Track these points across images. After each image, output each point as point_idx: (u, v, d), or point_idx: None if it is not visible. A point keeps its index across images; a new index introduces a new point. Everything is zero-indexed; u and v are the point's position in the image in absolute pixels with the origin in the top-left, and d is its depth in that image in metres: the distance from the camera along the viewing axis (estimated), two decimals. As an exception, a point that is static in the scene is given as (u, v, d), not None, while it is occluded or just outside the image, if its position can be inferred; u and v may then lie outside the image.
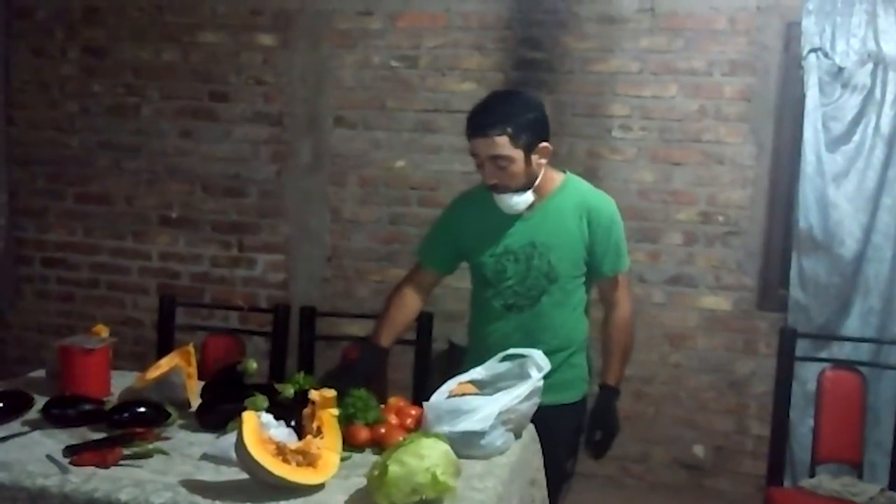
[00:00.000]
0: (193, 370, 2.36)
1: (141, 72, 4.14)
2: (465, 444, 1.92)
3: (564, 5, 3.65)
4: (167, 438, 2.04)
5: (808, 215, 3.39)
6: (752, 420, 3.64)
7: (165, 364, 2.32)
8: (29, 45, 4.27)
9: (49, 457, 1.89)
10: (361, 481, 1.80)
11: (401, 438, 1.87)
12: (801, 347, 3.00)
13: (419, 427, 2.05)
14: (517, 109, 2.26)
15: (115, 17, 4.14)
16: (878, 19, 3.25)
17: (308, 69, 3.95)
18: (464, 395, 2.10)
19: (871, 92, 3.31)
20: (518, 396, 2.04)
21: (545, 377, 2.17)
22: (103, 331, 2.49)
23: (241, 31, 4.01)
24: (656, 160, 3.64)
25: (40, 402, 2.17)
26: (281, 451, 1.79)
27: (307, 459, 1.80)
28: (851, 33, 3.28)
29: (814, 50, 3.31)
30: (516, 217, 2.37)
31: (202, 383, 2.33)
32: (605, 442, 2.43)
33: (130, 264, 4.27)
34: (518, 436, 2.12)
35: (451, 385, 2.15)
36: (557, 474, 2.45)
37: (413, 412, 2.12)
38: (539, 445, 2.25)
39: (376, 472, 1.72)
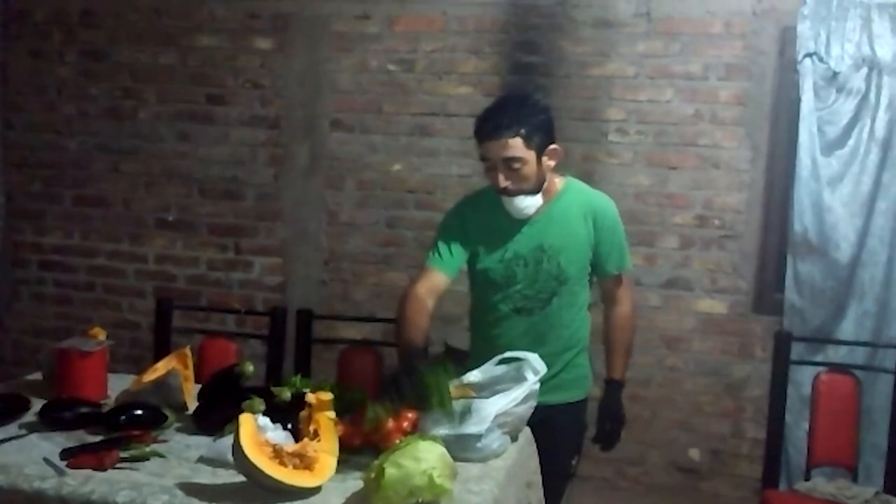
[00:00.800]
0: (190, 373, 2.36)
1: (138, 75, 4.15)
2: (462, 447, 1.93)
3: (561, 9, 3.66)
4: (164, 441, 2.04)
5: (803, 219, 3.40)
6: (748, 423, 3.65)
7: (162, 367, 2.33)
8: (26, 48, 4.27)
9: (46, 459, 1.90)
10: (358, 484, 1.80)
11: (397, 441, 1.88)
12: (797, 351, 3.02)
13: (416, 430, 2.05)
14: (528, 111, 2.29)
15: (112, 20, 4.15)
16: (872, 24, 3.27)
17: (305, 73, 3.96)
18: (461, 397, 2.10)
19: (865, 96, 3.32)
20: (514, 399, 2.05)
21: (550, 377, 2.20)
22: (100, 333, 2.49)
23: (238, 35, 4.01)
24: (652, 164, 3.65)
25: (37, 404, 2.17)
26: (278, 454, 1.79)
27: (304, 462, 1.81)
28: (846, 38, 3.29)
29: (809, 54, 3.32)
30: (523, 222, 2.38)
31: (199, 386, 2.33)
32: (614, 434, 2.48)
33: (127, 267, 4.27)
34: (514, 438, 2.12)
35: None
36: (561, 473, 2.47)
37: (410, 415, 2.12)
38: (535, 448, 2.26)
39: (373, 475, 1.73)
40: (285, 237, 4.07)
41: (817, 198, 3.38)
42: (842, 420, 2.87)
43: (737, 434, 3.68)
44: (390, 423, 2.00)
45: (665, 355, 3.72)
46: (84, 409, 2.14)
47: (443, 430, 1.95)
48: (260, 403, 2.06)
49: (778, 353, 2.93)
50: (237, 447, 1.75)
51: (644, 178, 3.67)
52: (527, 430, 2.21)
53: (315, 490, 1.79)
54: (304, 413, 1.96)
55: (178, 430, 2.14)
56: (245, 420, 1.81)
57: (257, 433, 1.82)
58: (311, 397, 1.96)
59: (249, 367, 2.26)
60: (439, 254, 2.43)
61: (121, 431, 2.02)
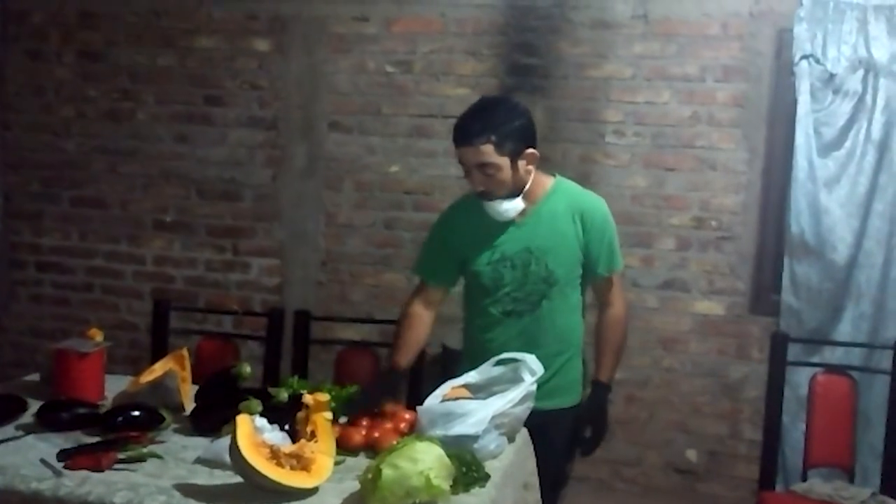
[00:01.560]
0: (187, 374, 2.37)
1: (136, 76, 4.15)
2: (459, 448, 1.93)
3: (558, 11, 3.67)
4: (161, 442, 2.04)
5: (800, 221, 3.41)
6: (745, 424, 3.66)
7: (160, 368, 2.33)
8: (24, 49, 4.27)
9: (43, 461, 1.90)
10: (355, 485, 1.81)
11: (394, 442, 1.88)
12: (793, 352, 3.02)
13: (413, 431, 2.05)
14: (502, 117, 2.27)
15: (110, 22, 4.15)
16: (868, 26, 3.28)
17: (303, 74, 3.96)
18: (457, 399, 2.10)
19: (862, 98, 3.33)
20: (511, 400, 2.05)
21: (543, 382, 2.19)
22: (98, 335, 2.49)
23: (236, 36, 4.02)
24: (649, 165, 3.66)
25: (34, 405, 2.17)
26: (275, 455, 1.80)
27: (301, 463, 1.81)
28: (843, 40, 3.30)
29: (805, 56, 3.33)
30: (510, 223, 2.38)
31: (196, 387, 2.33)
32: (595, 440, 2.45)
33: (125, 268, 4.27)
34: (511, 440, 2.13)
35: (445, 389, 2.16)
36: (556, 479, 2.46)
37: (407, 416, 2.13)
38: (532, 449, 2.26)
39: (370, 476, 1.73)
40: (283, 238, 4.07)
41: (814, 199, 3.39)
42: (838, 421, 2.87)
43: (734, 435, 3.69)
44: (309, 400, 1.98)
45: (662, 356, 3.72)
46: (81, 411, 2.15)
47: (439, 431, 1.95)
48: (257, 404, 2.06)
49: (775, 354, 2.94)
50: (234, 448, 1.76)
51: (641, 179, 3.67)
52: (524, 432, 2.21)
53: (312, 491, 1.80)
54: (301, 414, 1.97)
55: (176, 431, 2.14)
56: (242, 421, 1.81)
57: (254, 434, 1.83)
58: (308, 398, 1.96)
59: (247, 369, 2.27)
60: (428, 267, 2.45)
61: (118, 432, 2.02)
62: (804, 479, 2.92)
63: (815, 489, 2.85)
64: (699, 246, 3.65)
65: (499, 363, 2.22)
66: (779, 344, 2.94)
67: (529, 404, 2.13)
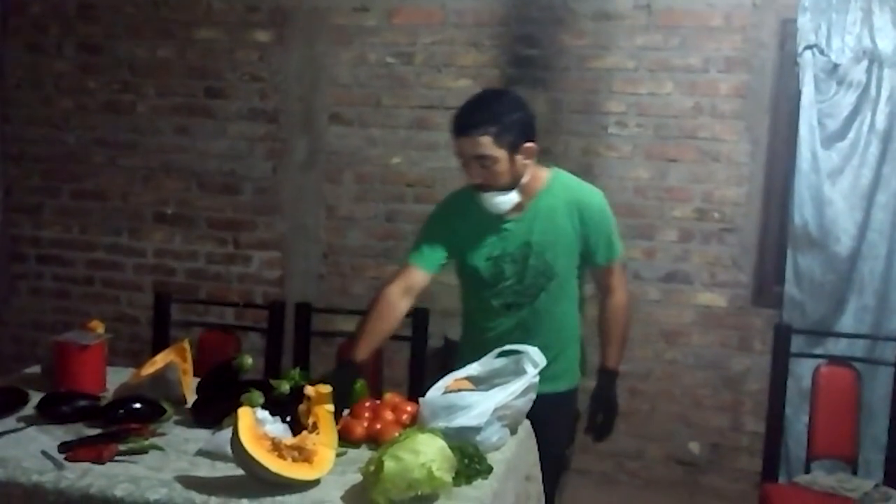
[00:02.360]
0: (189, 366, 2.36)
1: (136, 68, 4.13)
2: (461, 440, 1.92)
3: (560, 2, 3.65)
4: (162, 434, 2.04)
5: (803, 212, 3.40)
6: (748, 416, 3.65)
7: (161, 360, 2.32)
8: (24, 42, 4.26)
9: (44, 453, 1.89)
10: (357, 477, 1.80)
11: (396, 434, 1.88)
12: (796, 344, 3.01)
13: (415, 423, 2.05)
14: (502, 109, 2.26)
15: (110, 14, 4.13)
16: (873, 16, 3.26)
17: (304, 66, 3.95)
18: (460, 390, 2.10)
19: (866, 89, 3.31)
20: (514, 392, 2.04)
21: (542, 369, 2.18)
22: (99, 327, 2.49)
23: (236, 28, 4.00)
24: (652, 157, 3.64)
25: (35, 398, 2.17)
26: (276, 447, 1.79)
27: (303, 455, 1.80)
28: (847, 30, 3.28)
29: (809, 47, 3.31)
30: (509, 218, 2.37)
31: (197, 380, 2.33)
32: (607, 425, 2.47)
33: (126, 261, 4.26)
34: (514, 431, 2.12)
35: (447, 381, 2.15)
36: (554, 464, 2.46)
37: (409, 408, 2.12)
38: (535, 441, 2.26)
39: (372, 468, 1.72)
40: (284, 231, 4.06)
41: (817, 191, 3.38)
42: (841, 413, 2.87)
43: (736, 427, 3.68)
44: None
45: (664, 349, 3.72)
46: (82, 403, 2.14)
47: (442, 423, 1.95)
48: (259, 397, 2.06)
49: (777, 346, 2.93)
50: (236, 440, 1.75)
51: (643, 171, 3.66)
52: (526, 423, 2.21)
53: (314, 483, 1.79)
54: (302, 406, 1.96)
55: (177, 423, 2.14)
56: (244, 413, 1.80)
57: (256, 426, 1.82)
58: (309, 390, 1.96)
59: (248, 361, 2.26)
60: (421, 251, 2.41)
61: (119, 425, 2.02)
62: (807, 471, 2.92)
63: (819, 481, 2.85)
64: (702, 238, 3.63)
65: (501, 355, 2.21)
66: (782, 336, 2.93)
67: (532, 396, 2.12)
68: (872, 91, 3.30)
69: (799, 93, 3.36)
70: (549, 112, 3.69)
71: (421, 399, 2.07)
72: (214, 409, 2.11)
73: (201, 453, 1.94)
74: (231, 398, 2.03)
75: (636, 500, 3.72)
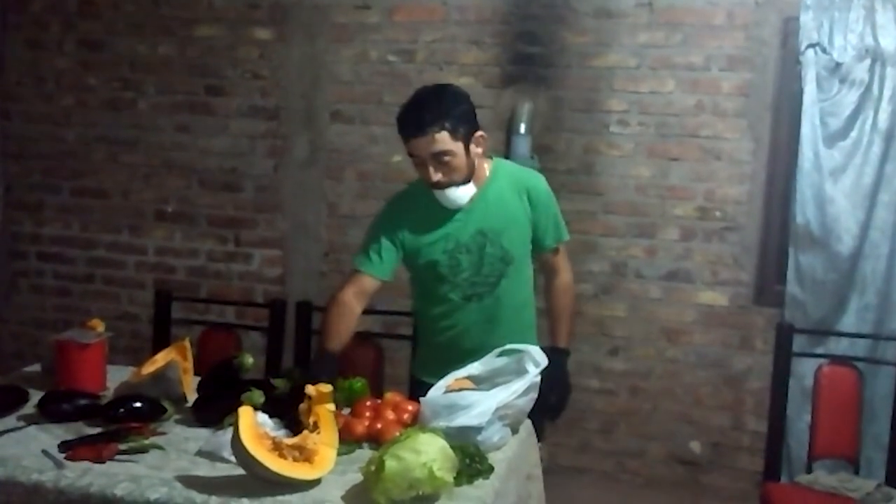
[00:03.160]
0: (189, 365, 2.35)
1: (137, 65, 4.13)
2: (462, 440, 1.92)
3: (562, 0, 3.64)
4: (163, 434, 2.03)
5: (805, 211, 3.39)
6: (749, 416, 3.65)
7: (161, 359, 2.31)
8: (24, 39, 4.25)
9: (44, 452, 1.89)
10: (358, 477, 1.80)
11: (397, 434, 1.87)
12: (798, 343, 3.00)
13: (416, 422, 2.04)
14: (449, 103, 2.28)
15: (111, 11, 4.12)
16: (875, 15, 3.25)
17: (305, 63, 3.94)
18: (461, 390, 2.09)
19: (868, 87, 3.31)
20: (515, 392, 2.04)
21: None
22: (99, 325, 2.48)
23: (237, 25, 3.99)
24: (653, 155, 3.64)
25: (36, 396, 2.16)
26: (277, 447, 1.79)
27: (303, 455, 1.80)
28: (849, 29, 3.28)
29: (812, 45, 3.30)
30: (458, 210, 2.38)
31: (198, 378, 2.32)
32: (560, 404, 2.47)
33: (126, 259, 4.26)
34: (515, 431, 2.12)
35: (448, 380, 2.15)
36: None
37: (410, 407, 2.12)
38: (536, 440, 2.25)
39: (373, 468, 1.72)
40: (285, 229, 4.06)
41: (819, 190, 3.37)
42: (843, 412, 2.86)
43: (738, 426, 3.68)
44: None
45: (665, 347, 3.71)
46: (83, 402, 2.13)
47: (443, 423, 1.94)
48: (259, 395, 2.05)
49: (779, 345, 2.93)
50: (236, 439, 1.74)
51: (645, 169, 3.65)
52: (528, 423, 2.20)
53: (314, 483, 1.79)
54: (303, 405, 1.95)
55: (178, 422, 2.14)
56: (244, 412, 1.80)
57: (257, 425, 1.81)
58: (310, 389, 1.95)
59: (249, 359, 2.25)
60: (369, 257, 2.40)
61: (120, 424, 2.01)
62: (809, 471, 2.91)
63: (820, 481, 2.84)
64: (703, 236, 3.63)
65: (502, 354, 2.21)
66: (783, 335, 2.93)
67: (533, 395, 2.11)
68: (875, 90, 3.30)
69: (801, 91, 3.35)
70: (551, 110, 3.68)
71: (422, 398, 2.07)
72: (215, 408, 2.11)
73: (202, 453, 1.93)
74: (232, 397, 2.02)
75: (637, 499, 3.72)
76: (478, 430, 1.96)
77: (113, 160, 4.22)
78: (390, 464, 1.69)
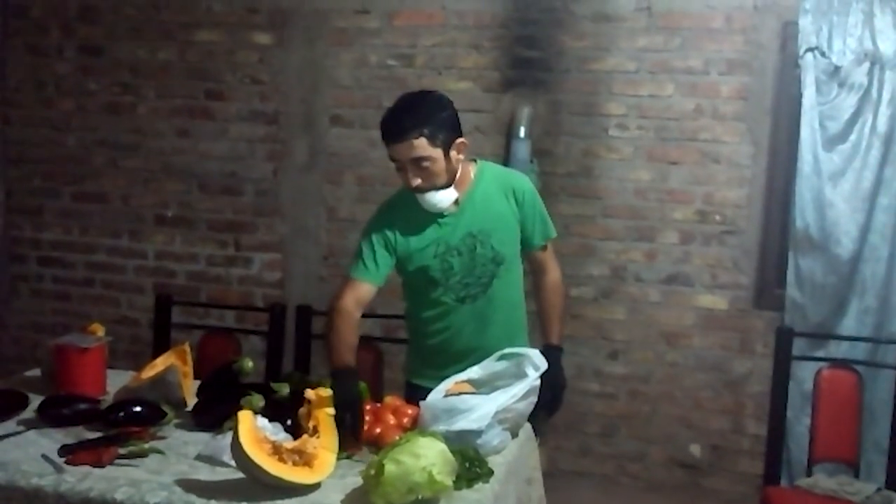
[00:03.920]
0: (189, 369, 2.36)
1: (137, 70, 4.13)
2: (462, 443, 1.92)
3: (561, 4, 3.64)
4: (163, 438, 2.04)
5: (804, 214, 3.39)
6: (749, 419, 3.64)
7: (161, 363, 2.32)
8: (25, 43, 4.26)
9: (44, 456, 1.89)
10: (358, 481, 1.80)
11: (397, 438, 1.87)
12: (798, 347, 3.01)
13: (416, 426, 2.04)
14: (430, 110, 2.29)
15: (111, 16, 4.13)
16: (874, 19, 3.25)
17: (304, 68, 3.94)
18: (460, 394, 2.09)
19: (867, 91, 3.31)
20: (515, 395, 2.04)
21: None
22: (99, 330, 2.48)
23: (237, 30, 4.00)
24: (653, 159, 3.64)
25: (35, 401, 2.17)
26: (277, 451, 1.79)
27: (303, 459, 1.80)
28: (848, 32, 3.28)
29: (810, 49, 3.31)
30: (447, 214, 2.39)
31: (198, 382, 2.32)
32: (556, 401, 2.46)
33: (126, 263, 4.26)
34: (515, 435, 2.12)
35: (448, 384, 2.15)
36: None
37: (410, 411, 2.12)
38: (536, 444, 2.25)
39: (373, 472, 1.72)
40: (284, 233, 4.06)
41: (818, 193, 3.37)
42: (843, 416, 2.86)
43: (738, 430, 3.68)
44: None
45: (665, 351, 3.71)
46: (82, 406, 2.14)
47: (442, 427, 1.94)
48: (259, 400, 2.05)
49: (779, 348, 2.93)
50: (236, 444, 1.75)
51: (644, 173, 3.65)
52: (527, 427, 2.21)
53: (314, 487, 1.79)
54: (303, 409, 1.96)
55: (177, 426, 2.14)
56: (244, 416, 1.80)
57: (256, 429, 1.82)
58: (310, 393, 1.95)
59: (249, 364, 2.26)
60: (364, 264, 2.39)
61: (119, 428, 2.02)
62: (809, 474, 2.91)
63: (820, 484, 2.84)
64: (703, 240, 3.63)
65: (502, 358, 2.21)
66: (783, 338, 2.93)
67: (533, 399, 2.12)
68: (874, 93, 3.30)
69: (800, 95, 3.36)
70: (550, 114, 3.68)
71: (422, 402, 2.07)
72: (215, 412, 2.11)
73: (202, 457, 1.94)
74: (232, 401, 2.03)
75: (637, 502, 3.72)
76: (477, 433, 1.96)
77: (113, 165, 4.22)
78: (390, 468, 1.70)
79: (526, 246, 2.50)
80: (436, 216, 2.39)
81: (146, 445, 1.95)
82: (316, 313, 3.15)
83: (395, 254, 2.41)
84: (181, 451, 1.97)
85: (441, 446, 1.77)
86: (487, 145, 3.65)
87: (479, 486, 1.84)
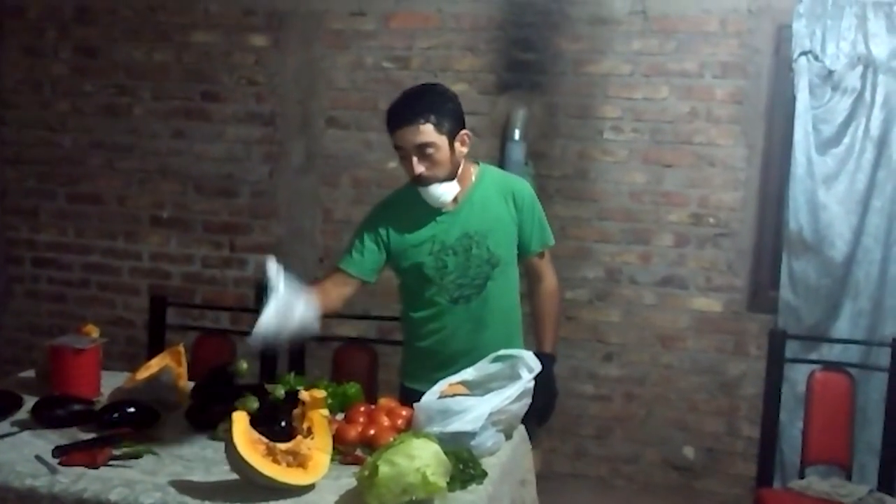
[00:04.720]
0: (184, 371, 2.36)
1: (133, 71, 4.13)
2: (456, 445, 1.92)
3: (556, 7, 3.66)
4: (157, 439, 2.03)
5: (798, 217, 3.41)
6: (743, 421, 3.65)
7: (156, 364, 2.32)
8: (20, 45, 4.26)
9: (38, 457, 1.89)
10: (352, 482, 1.80)
11: (391, 439, 1.88)
12: (791, 349, 3.02)
13: (410, 427, 2.05)
14: (436, 99, 2.33)
15: (107, 17, 4.13)
16: (867, 23, 3.27)
17: (300, 70, 3.95)
18: (455, 395, 2.10)
19: (860, 95, 3.32)
20: (509, 397, 2.04)
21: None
22: (94, 331, 2.48)
23: (233, 32, 4.00)
24: (648, 162, 3.65)
25: (30, 402, 2.16)
26: (271, 452, 1.79)
27: (297, 460, 1.80)
28: (842, 36, 3.29)
29: (804, 53, 3.32)
30: (444, 213, 2.40)
31: (193, 384, 2.32)
32: (547, 408, 2.47)
33: (122, 264, 4.26)
34: (509, 436, 2.12)
35: (442, 386, 2.15)
36: None
37: (404, 413, 2.12)
38: (530, 446, 2.26)
39: (367, 473, 1.72)
40: (280, 235, 4.06)
41: (812, 196, 3.38)
42: (836, 418, 2.87)
43: (731, 432, 3.69)
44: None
45: (660, 353, 3.72)
46: (77, 407, 2.14)
47: (436, 428, 1.95)
48: (254, 401, 2.05)
49: (772, 351, 2.94)
50: (230, 445, 1.75)
51: (639, 175, 3.66)
52: (521, 428, 2.21)
53: (308, 488, 1.79)
54: (297, 411, 1.96)
55: (172, 427, 2.13)
56: (238, 418, 1.80)
57: (251, 431, 1.82)
58: (304, 395, 1.96)
59: (243, 365, 2.25)
60: (350, 255, 2.42)
61: (114, 429, 2.01)
62: (802, 477, 2.92)
63: (813, 486, 2.85)
64: (697, 242, 3.64)
65: (496, 360, 2.22)
66: (777, 341, 2.94)
67: (527, 401, 2.12)
68: (867, 97, 3.31)
69: (794, 98, 3.37)
70: (545, 116, 3.69)
71: (416, 404, 2.07)
72: (209, 413, 2.11)
73: (196, 458, 1.93)
74: (226, 403, 2.03)
75: (631, 504, 3.73)
76: (471, 435, 1.96)
77: (109, 166, 4.22)
78: (384, 469, 1.70)
79: (523, 252, 2.50)
80: (433, 214, 2.39)
81: (140, 446, 1.94)
82: (311, 315, 3.15)
83: (385, 249, 2.42)
84: (175, 452, 1.97)
85: (435, 448, 1.77)
86: (482, 147, 3.65)
87: (473, 487, 1.85)
